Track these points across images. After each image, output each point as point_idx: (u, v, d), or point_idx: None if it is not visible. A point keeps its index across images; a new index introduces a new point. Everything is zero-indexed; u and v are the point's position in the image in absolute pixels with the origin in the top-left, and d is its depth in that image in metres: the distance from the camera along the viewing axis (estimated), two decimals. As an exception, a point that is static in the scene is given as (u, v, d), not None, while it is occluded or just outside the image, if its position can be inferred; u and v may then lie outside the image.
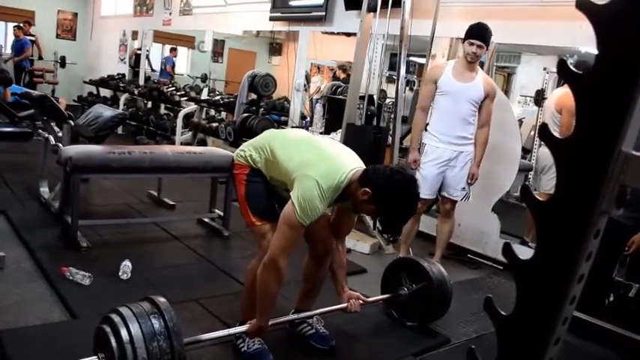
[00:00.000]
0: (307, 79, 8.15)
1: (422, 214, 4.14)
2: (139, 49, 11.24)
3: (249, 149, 2.56)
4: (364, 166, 2.39)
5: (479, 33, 3.73)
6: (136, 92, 9.34)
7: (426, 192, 3.88)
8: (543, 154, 5.07)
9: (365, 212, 2.42)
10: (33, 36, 11.87)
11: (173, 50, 11.70)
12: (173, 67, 11.54)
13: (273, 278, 2.32)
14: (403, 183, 2.25)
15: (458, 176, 3.94)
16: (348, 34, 6.71)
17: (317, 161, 2.33)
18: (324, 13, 6.34)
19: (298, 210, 2.22)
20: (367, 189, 2.23)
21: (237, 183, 2.57)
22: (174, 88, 8.86)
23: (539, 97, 6.64)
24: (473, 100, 3.83)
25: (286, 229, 2.27)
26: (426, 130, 4.01)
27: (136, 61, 11.20)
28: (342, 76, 9.11)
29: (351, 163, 2.37)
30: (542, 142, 1.04)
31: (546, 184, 4.84)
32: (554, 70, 5.87)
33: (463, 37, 3.83)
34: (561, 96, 4.64)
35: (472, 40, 3.73)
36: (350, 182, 2.30)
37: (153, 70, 11.30)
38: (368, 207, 2.29)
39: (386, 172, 2.27)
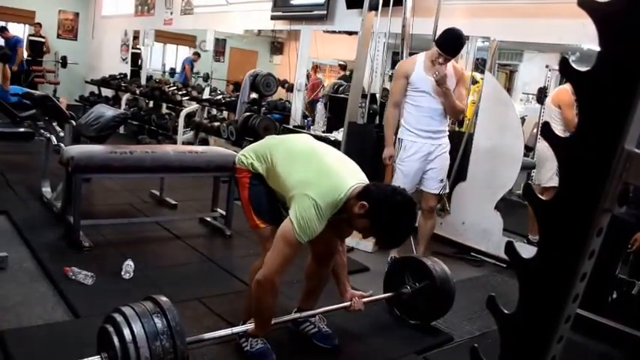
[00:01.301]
0: (308, 78, 8.14)
1: None
2: (134, 47, 11.26)
3: (250, 156, 2.55)
4: (366, 181, 2.37)
5: (451, 49, 3.71)
6: (137, 92, 9.34)
7: (407, 188, 3.87)
8: (539, 148, 5.11)
9: (357, 228, 2.37)
10: (43, 37, 11.92)
11: (196, 54, 11.09)
12: (192, 68, 11.10)
13: (269, 295, 2.32)
14: (402, 204, 2.23)
15: (437, 169, 3.93)
16: (350, 33, 6.71)
17: (316, 179, 2.29)
18: (325, 12, 6.33)
19: (297, 228, 2.20)
20: (364, 202, 2.20)
21: (240, 187, 2.56)
22: (175, 88, 8.86)
23: (542, 95, 6.63)
24: None
25: (284, 246, 2.25)
26: (400, 125, 3.97)
27: (132, 60, 11.21)
28: (342, 72, 9.13)
29: (352, 180, 2.32)
30: (544, 139, 1.05)
31: (542, 177, 4.87)
32: (557, 67, 5.87)
33: (436, 39, 3.79)
34: (558, 91, 4.69)
35: (441, 53, 3.69)
36: (349, 199, 2.27)
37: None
38: (361, 221, 2.24)
39: (387, 190, 2.26)
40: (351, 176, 2.36)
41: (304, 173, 2.33)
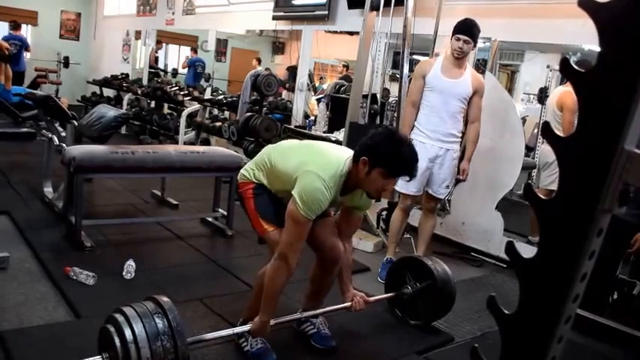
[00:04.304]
0: (311, 78, 8.15)
1: (410, 210, 4.11)
2: (158, 51, 11.42)
3: (251, 168, 2.61)
4: None
5: (466, 29, 3.69)
6: (139, 92, 9.35)
7: (412, 188, 3.86)
8: (544, 150, 5.08)
9: (376, 187, 2.37)
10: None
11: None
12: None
13: (282, 272, 2.35)
14: (387, 132, 2.37)
15: (444, 174, 3.89)
16: (351, 33, 6.71)
17: (314, 158, 2.39)
18: (326, 12, 6.34)
19: (300, 204, 2.26)
20: (363, 158, 2.28)
21: (245, 200, 2.60)
22: (177, 88, 8.87)
23: (543, 95, 6.63)
24: (461, 96, 3.79)
25: (291, 224, 2.31)
26: (413, 126, 3.96)
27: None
28: (344, 72, 9.15)
29: (346, 154, 2.42)
30: (544, 140, 1.05)
31: (545, 180, 4.85)
32: (558, 67, 5.87)
33: (451, 33, 3.79)
34: (562, 94, 4.65)
35: (459, 36, 3.68)
36: (349, 169, 2.35)
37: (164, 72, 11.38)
38: (373, 176, 2.29)
39: (370, 134, 2.35)
40: (345, 152, 2.46)
41: (302, 156, 2.42)
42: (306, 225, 2.31)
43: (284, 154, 2.50)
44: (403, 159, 2.29)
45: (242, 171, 2.67)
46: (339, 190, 2.37)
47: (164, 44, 12.02)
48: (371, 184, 2.34)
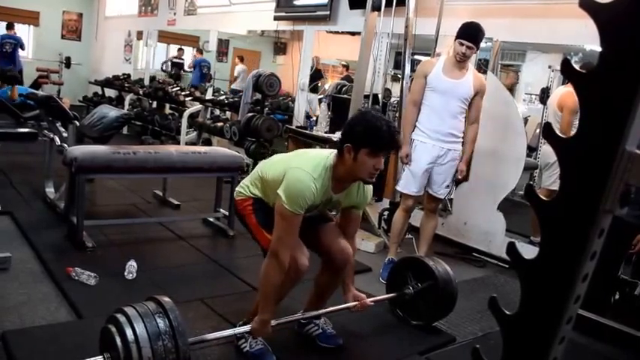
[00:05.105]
0: (319, 74, 8.16)
1: (412, 210, 4.12)
2: (176, 57, 11.64)
3: (246, 185, 2.66)
4: None
5: (470, 34, 3.68)
6: (140, 92, 9.35)
7: (413, 188, 3.88)
8: (546, 151, 5.07)
9: (367, 170, 2.36)
10: None
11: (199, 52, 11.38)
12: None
13: (273, 268, 2.37)
14: (359, 114, 2.46)
15: (444, 174, 3.88)
16: (353, 33, 6.71)
17: (298, 159, 2.48)
18: (328, 13, 6.34)
19: (284, 198, 2.31)
20: (347, 145, 2.34)
21: (245, 216, 2.64)
22: (178, 88, 8.87)
23: (545, 95, 6.62)
24: (463, 97, 3.78)
25: (279, 220, 2.36)
26: (415, 126, 3.95)
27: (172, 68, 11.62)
28: (345, 72, 9.17)
29: (331, 150, 2.49)
30: (546, 140, 1.05)
31: (546, 180, 4.84)
32: (559, 68, 5.86)
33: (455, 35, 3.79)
34: (563, 94, 4.64)
35: (462, 41, 3.67)
36: (336, 162, 2.41)
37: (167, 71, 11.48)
38: (361, 159, 2.33)
39: (347, 121, 2.46)
40: (331, 151, 2.51)
41: (287, 162, 2.48)
42: (292, 220, 2.34)
43: (273, 165, 2.55)
44: (381, 132, 2.32)
45: (237, 188, 2.70)
46: (329, 185, 2.41)
47: (166, 44, 12.02)
48: (362, 168, 2.36)
